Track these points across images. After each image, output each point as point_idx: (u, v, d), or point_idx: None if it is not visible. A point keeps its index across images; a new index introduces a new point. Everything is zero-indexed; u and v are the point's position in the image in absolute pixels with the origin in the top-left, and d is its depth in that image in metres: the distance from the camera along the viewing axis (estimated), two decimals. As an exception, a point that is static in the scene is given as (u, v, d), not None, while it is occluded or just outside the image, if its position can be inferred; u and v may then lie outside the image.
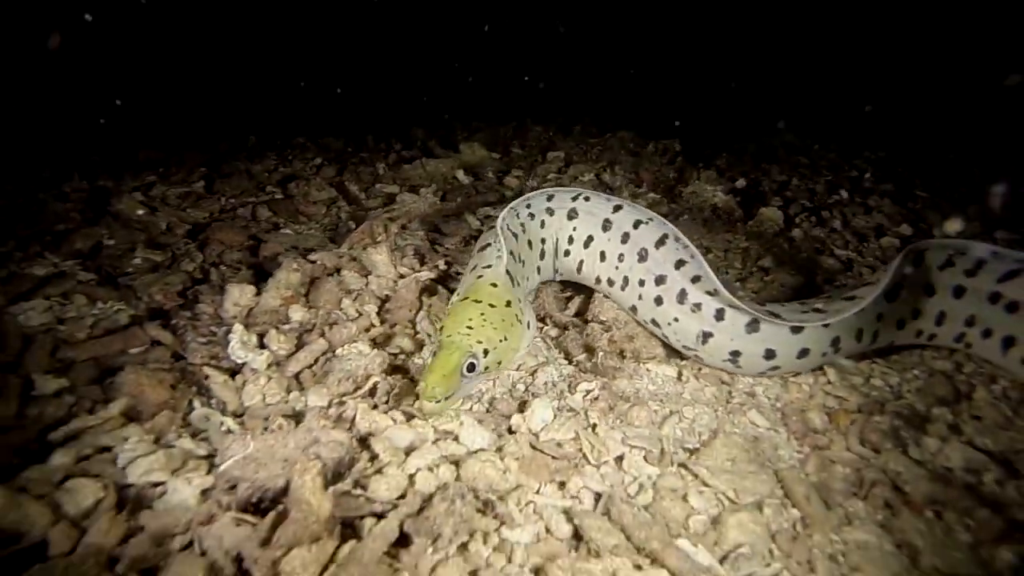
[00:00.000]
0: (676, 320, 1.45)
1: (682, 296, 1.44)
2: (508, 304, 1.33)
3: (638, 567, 0.92)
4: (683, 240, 1.48)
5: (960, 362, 1.59)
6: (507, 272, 1.40)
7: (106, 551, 0.86)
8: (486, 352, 1.22)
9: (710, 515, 1.08)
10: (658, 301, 1.48)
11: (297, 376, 1.28)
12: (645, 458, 1.18)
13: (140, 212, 2.07)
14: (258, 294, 1.47)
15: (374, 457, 1.03)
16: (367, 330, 1.43)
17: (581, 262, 1.65)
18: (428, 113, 3.37)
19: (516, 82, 3.62)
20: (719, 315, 1.41)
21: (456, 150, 2.89)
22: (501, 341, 1.26)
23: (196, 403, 1.19)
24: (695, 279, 1.45)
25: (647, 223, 1.53)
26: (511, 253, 1.46)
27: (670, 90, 3.63)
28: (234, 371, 1.28)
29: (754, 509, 1.09)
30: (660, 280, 1.48)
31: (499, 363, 1.27)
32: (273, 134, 2.98)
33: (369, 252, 1.72)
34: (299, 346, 1.34)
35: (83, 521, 0.90)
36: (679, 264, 1.47)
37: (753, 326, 1.39)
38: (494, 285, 1.36)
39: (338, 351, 1.33)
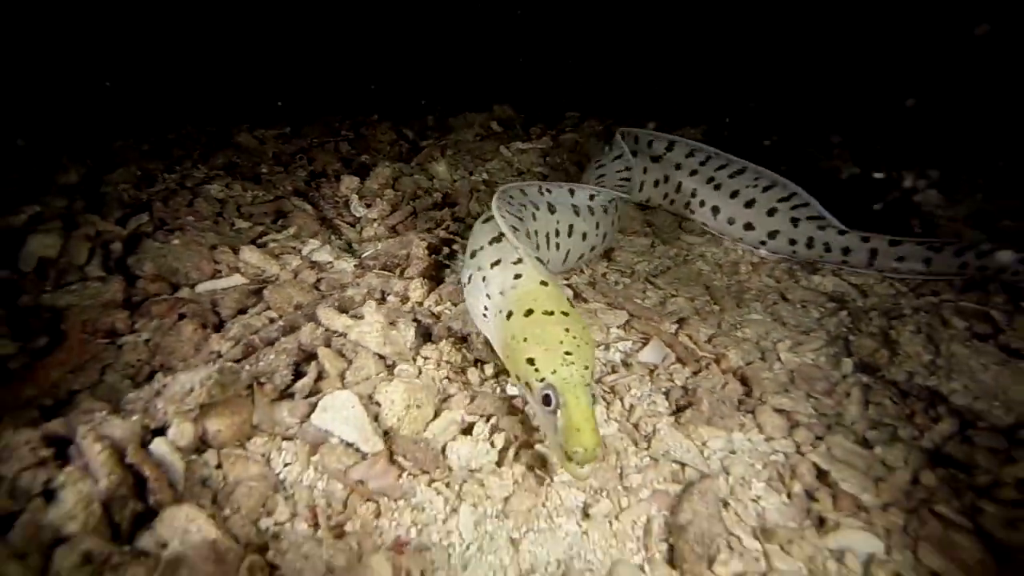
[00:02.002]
0: None
1: None
2: (571, 303, 1.28)
3: (610, 305, 1.68)
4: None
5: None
6: (538, 259, 1.36)
7: (311, 283, 1.64)
8: (592, 373, 1.14)
9: (659, 298, 1.84)
10: None
11: (394, 227, 2.06)
12: (618, 279, 1.94)
13: (253, 143, 2.88)
14: (362, 182, 2.27)
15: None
16: (436, 205, 2.21)
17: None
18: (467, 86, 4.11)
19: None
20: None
21: (490, 109, 3.67)
22: (593, 355, 1.18)
23: (334, 237, 1.98)
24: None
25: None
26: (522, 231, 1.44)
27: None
28: (354, 222, 2.07)
29: (689, 299, 1.85)
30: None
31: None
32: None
33: (432, 165, 2.51)
34: (394, 209, 2.12)
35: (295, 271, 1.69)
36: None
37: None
38: (544, 284, 1.28)
39: (419, 214, 2.11)
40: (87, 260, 1.64)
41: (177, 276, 1.58)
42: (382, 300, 1.57)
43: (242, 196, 2.19)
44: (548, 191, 1.84)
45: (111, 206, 1.93)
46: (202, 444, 1.10)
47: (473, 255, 1.45)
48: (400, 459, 1.12)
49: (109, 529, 0.91)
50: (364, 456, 1.12)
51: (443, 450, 1.17)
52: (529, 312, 1.21)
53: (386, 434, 1.17)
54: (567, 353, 1.12)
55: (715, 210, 2.27)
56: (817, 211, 2.11)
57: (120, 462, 0.98)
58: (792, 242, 2.12)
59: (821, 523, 1.12)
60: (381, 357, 1.35)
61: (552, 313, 1.20)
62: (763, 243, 2.18)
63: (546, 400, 1.09)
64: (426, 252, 1.73)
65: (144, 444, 1.04)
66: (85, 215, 1.82)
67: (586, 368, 1.11)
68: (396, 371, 1.32)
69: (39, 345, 1.34)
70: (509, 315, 1.23)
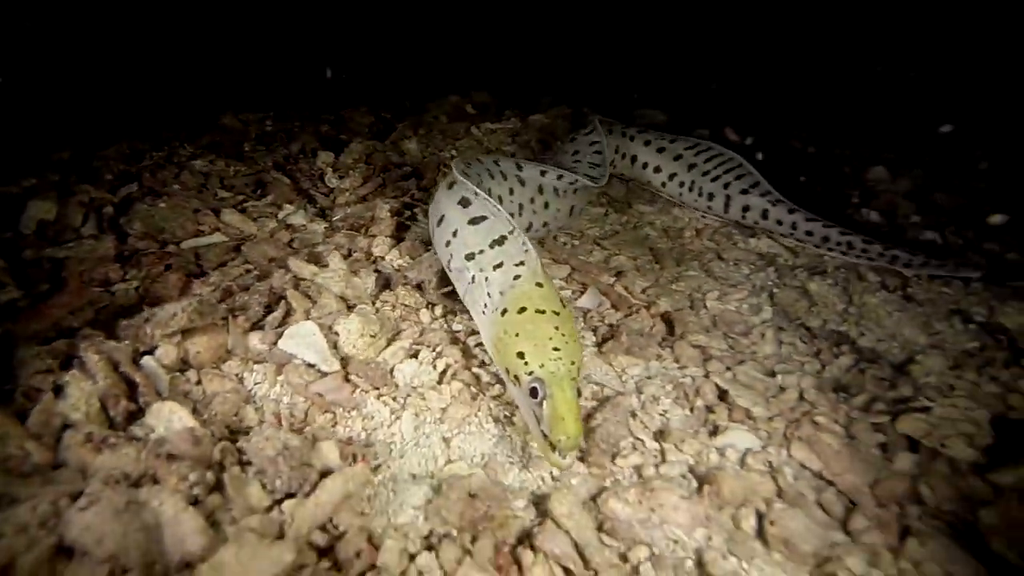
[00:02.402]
0: None
1: None
2: (563, 303, 1.35)
3: (554, 261, 1.89)
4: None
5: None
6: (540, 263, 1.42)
7: (284, 242, 1.84)
8: (579, 369, 1.22)
9: (603, 256, 2.04)
10: None
11: (364, 196, 2.26)
12: (567, 241, 2.15)
13: (237, 125, 3.07)
14: (337, 158, 2.47)
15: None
16: (404, 177, 2.41)
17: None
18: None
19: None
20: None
21: (468, 94, 3.86)
22: (581, 354, 1.26)
23: (308, 204, 2.18)
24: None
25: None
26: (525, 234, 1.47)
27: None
28: (328, 192, 2.27)
29: (632, 257, 2.05)
30: None
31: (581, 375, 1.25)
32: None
33: (404, 142, 2.71)
34: (365, 181, 2.32)
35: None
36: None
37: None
38: (539, 285, 1.36)
39: (388, 184, 2.31)
40: (82, 222, 1.84)
41: (164, 234, 1.79)
42: (348, 255, 1.77)
43: (225, 170, 2.38)
44: (518, 166, 2.04)
45: (103, 177, 2.12)
46: (184, 364, 1.31)
47: (472, 257, 1.49)
48: (354, 377, 1.33)
49: (107, 420, 1.12)
50: (323, 374, 1.33)
51: (391, 371, 1.38)
52: (523, 309, 1.30)
53: (343, 359, 1.38)
54: (555, 349, 1.20)
55: (676, 180, 2.47)
56: (757, 180, 2.31)
57: (115, 370, 1.18)
58: (727, 208, 2.33)
59: (714, 429, 1.34)
60: (343, 299, 1.55)
61: (544, 312, 1.28)
62: (709, 208, 2.39)
63: (533, 392, 1.17)
64: (389, 214, 1.94)
65: (135, 361, 1.25)
66: (79, 184, 2.02)
67: (573, 363, 1.20)
68: (356, 309, 1.52)
69: (42, 291, 1.54)
70: (504, 312, 1.32)
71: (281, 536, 0.94)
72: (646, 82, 3.80)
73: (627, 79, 3.97)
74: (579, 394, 1.18)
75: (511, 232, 1.48)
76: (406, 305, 1.60)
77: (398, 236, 1.88)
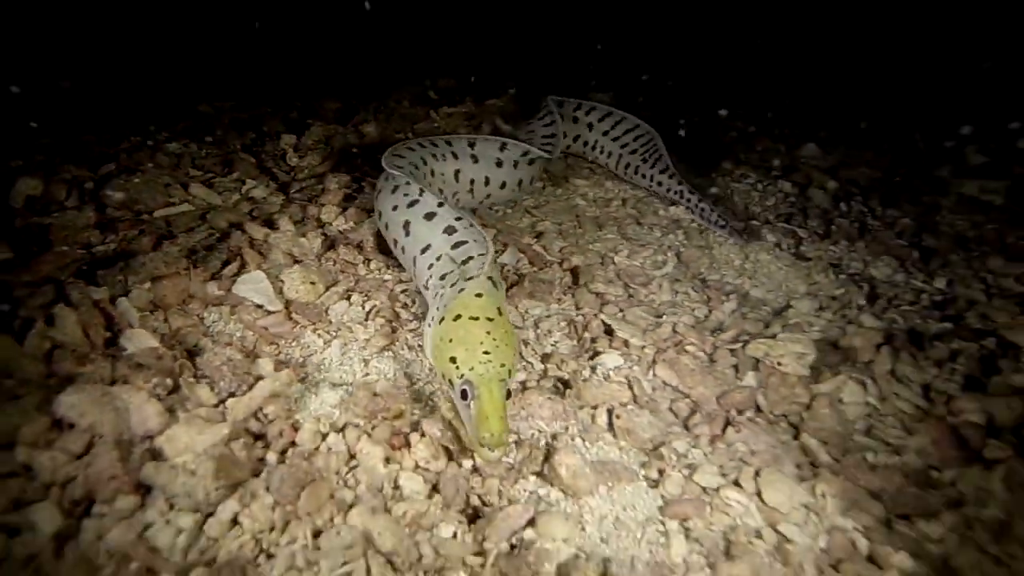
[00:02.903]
0: None
1: None
2: (500, 312, 1.43)
3: (484, 226, 2.19)
4: None
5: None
6: (490, 279, 1.50)
7: (245, 211, 2.13)
8: (511, 373, 1.32)
9: (531, 222, 2.34)
10: None
11: (322, 173, 2.54)
12: (500, 210, 2.45)
13: (211, 112, 3.35)
14: (299, 139, 2.75)
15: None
16: (359, 155, 2.70)
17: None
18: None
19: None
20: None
21: (434, 81, 4.14)
22: (513, 358, 1.36)
23: (270, 180, 2.46)
24: None
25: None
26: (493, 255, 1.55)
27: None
28: (289, 170, 2.56)
29: (557, 223, 2.35)
30: None
31: (513, 380, 1.37)
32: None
33: (364, 126, 3.00)
34: (323, 160, 2.60)
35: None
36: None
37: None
38: (479, 295, 1.43)
39: (343, 163, 2.60)
40: (66, 196, 2.13)
41: (139, 205, 2.08)
42: (300, 220, 2.07)
43: (196, 152, 2.67)
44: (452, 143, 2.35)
45: (84, 158, 2.41)
46: (152, 305, 1.60)
47: (443, 278, 1.59)
48: (295, 315, 1.64)
49: (88, 343, 1.42)
50: (269, 313, 1.63)
51: (326, 310, 1.68)
52: (457, 317, 1.39)
53: (287, 301, 1.68)
54: (485, 352, 1.29)
55: (610, 156, 2.78)
56: (662, 153, 2.60)
57: (95, 306, 1.48)
58: (644, 177, 2.65)
59: (593, 354, 1.64)
60: (291, 255, 1.85)
61: (477, 319, 1.37)
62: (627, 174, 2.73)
63: (463, 394, 1.27)
64: (338, 187, 2.23)
65: (112, 301, 1.54)
66: (63, 164, 2.31)
67: (503, 366, 1.29)
68: (300, 268, 1.82)
69: (32, 251, 1.84)
70: (441, 320, 1.42)
71: (223, 420, 1.24)
72: (599, 69, 4.09)
73: (583, 67, 4.26)
74: (508, 395, 1.28)
75: (483, 253, 1.57)
76: (346, 261, 1.90)
77: (344, 205, 2.18)
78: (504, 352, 1.33)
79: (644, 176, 2.66)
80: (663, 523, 1.17)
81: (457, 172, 2.30)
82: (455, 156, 2.31)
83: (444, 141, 2.36)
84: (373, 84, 4.01)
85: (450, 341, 1.35)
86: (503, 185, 2.41)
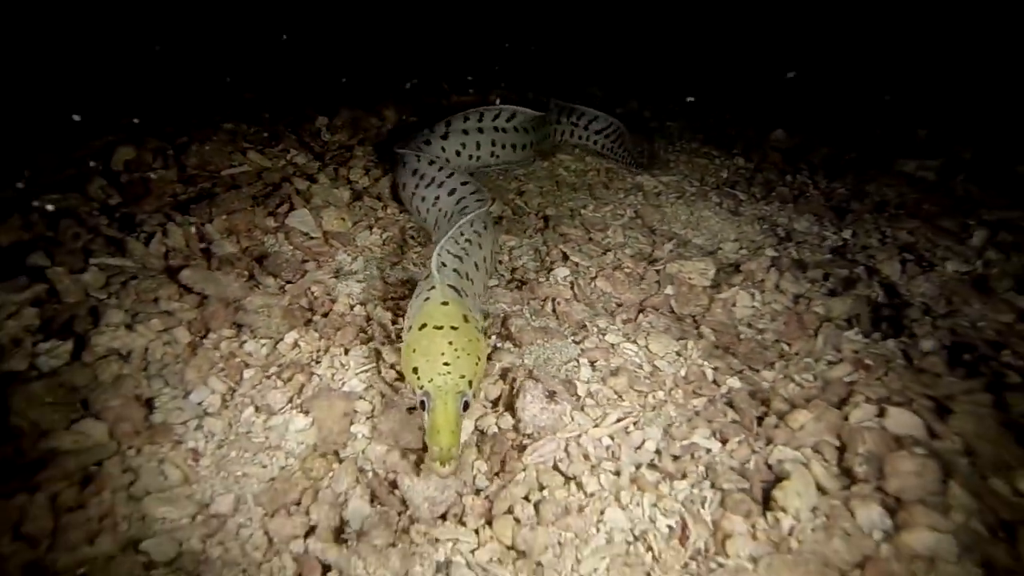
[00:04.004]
0: None
1: None
2: (466, 319, 1.51)
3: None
4: None
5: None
6: (451, 287, 1.61)
7: (290, 172, 2.83)
8: (470, 384, 1.37)
9: (517, 186, 2.99)
10: None
11: (351, 145, 3.23)
12: (495, 176, 3.11)
13: (252, 97, 4.07)
14: (330, 120, 3.46)
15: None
16: (379, 132, 3.39)
17: None
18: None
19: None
20: None
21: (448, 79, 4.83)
22: (476, 364, 1.42)
23: (308, 151, 3.16)
24: None
25: None
26: (449, 266, 1.72)
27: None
28: (323, 144, 3.26)
29: (538, 186, 3.00)
30: None
31: (479, 387, 1.46)
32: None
33: (385, 110, 3.69)
34: (350, 137, 3.30)
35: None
36: None
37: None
38: (445, 303, 1.53)
39: (368, 139, 3.29)
40: (153, 160, 2.85)
41: (210, 166, 2.79)
42: (334, 179, 2.76)
43: (247, 130, 3.38)
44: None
45: (161, 133, 3.14)
46: (228, 231, 2.29)
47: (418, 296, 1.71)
48: (330, 240, 2.32)
49: (189, 248, 2.11)
50: (312, 238, 2.31)
51: (353, 238, 2.35)
52: (423, 326, 1.48)
53: (324, 232, 2.36)
54: (445, 363, 1.37)
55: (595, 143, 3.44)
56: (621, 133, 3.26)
57: (191, 226, 2.18)
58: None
59: (549, 269, 2.27)
60: (327, 201, 2.54)
61: (441, 328, 1.45)
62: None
63: (422, 404, 1.37)
64: (363, 155, 2.92)
65: (201, 226, 2.24)
66: (147, 138, 3.04)
67: (462, 377, 1.36)
68: (335, 208, 2.49)
69: (137, 195, 2.55)
70: (409, 329, 1.53)
71: (284, 294, 1.92)
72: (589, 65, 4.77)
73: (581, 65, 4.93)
74: (466, 407, 1.38)
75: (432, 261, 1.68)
76: (369, 207, 2.58)
77: (367, 167, 2.86)
78: (464, 363, 1.40)
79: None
80: (577, 360, 1.80)
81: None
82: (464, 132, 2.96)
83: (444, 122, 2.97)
84: (392, 76, 4.74)
85: (414, 351, 1.45)
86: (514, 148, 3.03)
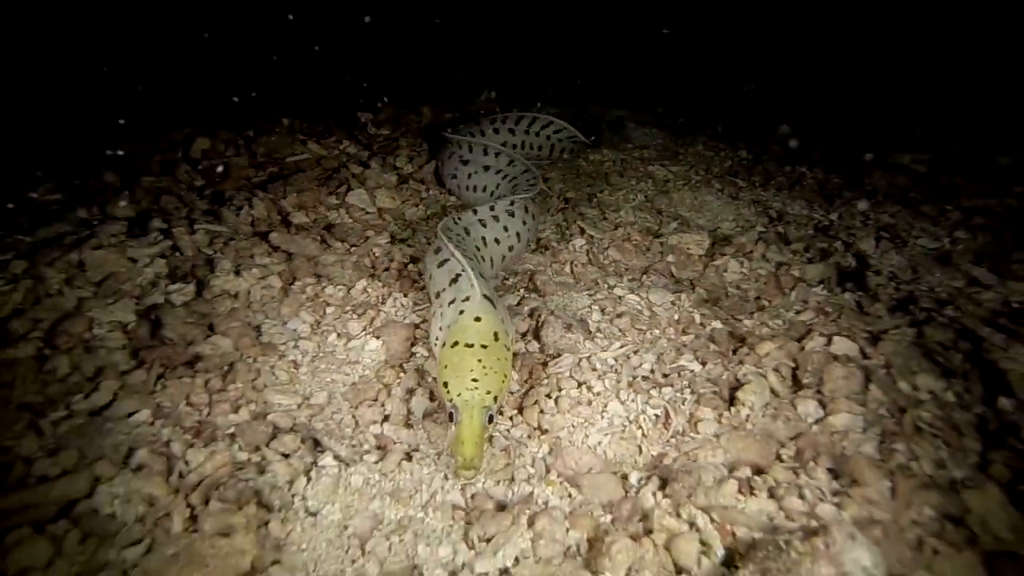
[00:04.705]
0: None
1: None
2: (496, 337, 1.65)
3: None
4: None
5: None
6: (486, 297, 1.74)
7: (343, 160, 3.35)
8: (495, 399, 1.52)
9: (543, 174, 3.49)
10: None
11: (395, 137, 3.74)
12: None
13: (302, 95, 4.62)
14: (375, 116, 3.98)
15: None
16: (418, 127, 3.90)
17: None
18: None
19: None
20: None
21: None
22: (503, 381, 1.57)
23: (357, 142, 3.68)
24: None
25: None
26: (477, 272, 1.83)
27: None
28: (369, 136, 3.78)
29: (561, 173, 3.48)
30: None
31: (503, 400, 1.61)
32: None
33: (423, 107, 4.21)
34: (393, 131, 3.81)
35: (335, 155, 3.42)
36: None
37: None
38: (478, 319, 1.66)
39: (409, 132, 3.80)
40: (225, 149, 3.39)
41: (276, 154, 3.33)
42: (383, 165, 3.27)
43: (300, 125, 3.92)
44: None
45: (230, 126, 3.69)
46: (297, 206, 2.81)
47: (437, 295, 1.94)
48: (384, 215, 2.83)
49: (270, 218, 2.63)
50: (368, 213, 2.82)
51: (403, 213, 2.86)
52: (455, 344, 1.63)
53: (378, 208, 2.87)
54: (473, 379, 1.52)
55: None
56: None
57: (271, 200, 2.70)
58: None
59: (568, 239, 2.75)
60: (378, 183, 3.05)
61: (472, 346, 1.60)
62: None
63: (451, 416, 1.52)
64: (406, 146, 3.44)
65: (276, 201, 2.76)
66: (219, 130, 3.58)
67: (488, 393, 1.51)
68: (386, 189, 3.00)
69: (215, 179, 3.08)
70: (443, 345, 1.68)
71: (352, 255, 2.43)
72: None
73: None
74: (491, 420, 1.52)
75: (463, 271, 1.84)
76: (414, 189, 3.09)
77: (411, 156, 3.38)
78: (492, 379, 1.55)
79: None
80: (590, 307, 2.28)
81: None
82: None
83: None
84: (427, 79, 5.27)
85: (445, 367, 1.61)
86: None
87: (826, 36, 5.38)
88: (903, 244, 2.80)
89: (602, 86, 5.17)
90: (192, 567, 1.24)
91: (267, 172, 3.16)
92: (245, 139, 3.49)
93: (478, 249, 2.23)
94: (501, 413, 1.74)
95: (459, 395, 1.52)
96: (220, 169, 3.13)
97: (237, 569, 1.27)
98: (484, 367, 1.58)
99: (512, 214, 2.46)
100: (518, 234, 2.46)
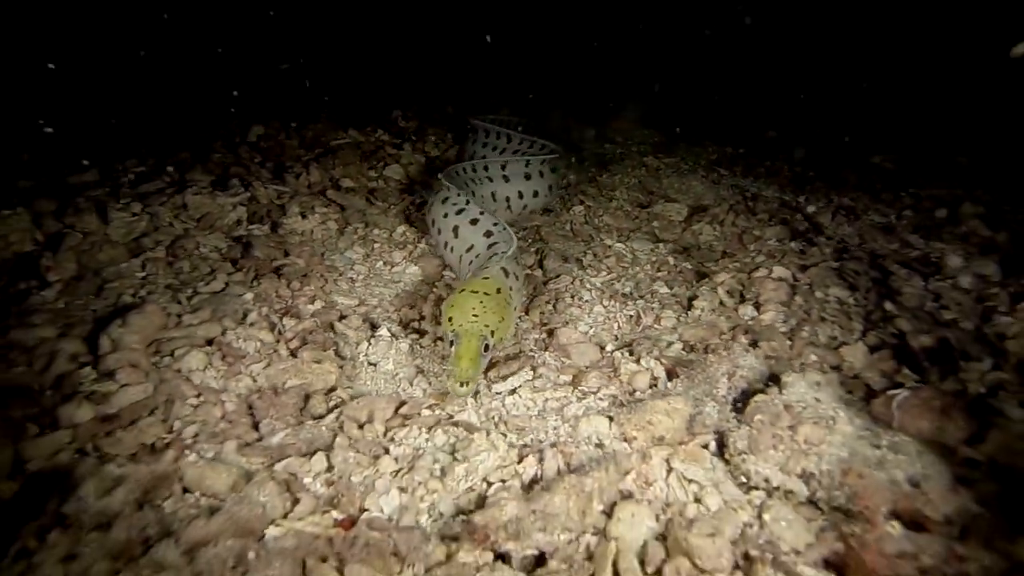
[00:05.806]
0: None
1: None
2: (499, 291, 1.99)
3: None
4: None
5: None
6: (503, 269, 2.13)
7: (379, 146, 4.06)
8: (492, 333, 1.83)
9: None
10: None
11: (422, 130, 4.45)
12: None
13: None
14: (404, 111, 4.70)
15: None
16: (444, 121, 4.62)
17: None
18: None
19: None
20: None
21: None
22: (500, 322, 1.88)
23: (390, 134, 4.39)
24: None
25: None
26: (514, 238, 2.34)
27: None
28: (400, 128, 4.49)
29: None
30: None
31: (501, 339, 1.90)
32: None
33: (446, 107, 4.93)
34: (421, 124, 4.53)
35: (371, 141, 4.13)
36: None
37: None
38: (486, 279, 2.04)
39: (435, 123, 4.51)
40: (277, 133, 4.10)
41: (323, 138, 4.04)
42: (413, 150, 3.98)
43: (340, 117, 4.64)
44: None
45: (280, 116, 4.41)
46: (345, 176, 3.49)
47: (468, 249, 2.49)
48: (415, 186, 3.51)
49: (323, 184, 3.32)
50: (403, 184, 3.51)
51: (431, 184, 3.54)
52: (462, 291, 2.00)
53: (411, 180, 3.55)
54: (474, 315, 1.86)
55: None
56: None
57: (324, 169, 3.40)
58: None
59: (569, 208, 3.41)
60: (411, 161, 3.75)
61: (476, 292, 1.96)
62: None
63: (451, 343, 1.84)
64: (433, 136, 4.15)
65: (326, 170, 3.46)
66: (270, 120, 4.30)
67: (486, 326, 1.83)
68: (417, 166, 3.68)
69: (274, 155, 3.79)
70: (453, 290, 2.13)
71: (391, 211, 3.10)
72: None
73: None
74: (486, 348, 1.83)
75: (502, 231, 2.46)
76: (441, 167, 3.78)
77: (437, 143, 4.08)
78: (490, 316, 1.87)
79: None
80: (584, 252, 2.93)
81: (493, 193, 3.19)
82: (490, 180, 3.23)
83: (483, 167, 3.23)
84: (451, 83, 6.03)
85: (451, 306, 1.95)
86: (535, 194, 3.32)
87: (827, 37, 6.07)
88: (856, 219, 3.44)
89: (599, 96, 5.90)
90: (299, 376, 1.89)
91: (315, 152, 3.86)
92: (294, 128, 4.21)
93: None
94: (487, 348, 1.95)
95: (460, 325, 1.86)
96: (277, 148, 3.84)
97: (326, 382, 1.91)
98: (484, 307, 1.91)
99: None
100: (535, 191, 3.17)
